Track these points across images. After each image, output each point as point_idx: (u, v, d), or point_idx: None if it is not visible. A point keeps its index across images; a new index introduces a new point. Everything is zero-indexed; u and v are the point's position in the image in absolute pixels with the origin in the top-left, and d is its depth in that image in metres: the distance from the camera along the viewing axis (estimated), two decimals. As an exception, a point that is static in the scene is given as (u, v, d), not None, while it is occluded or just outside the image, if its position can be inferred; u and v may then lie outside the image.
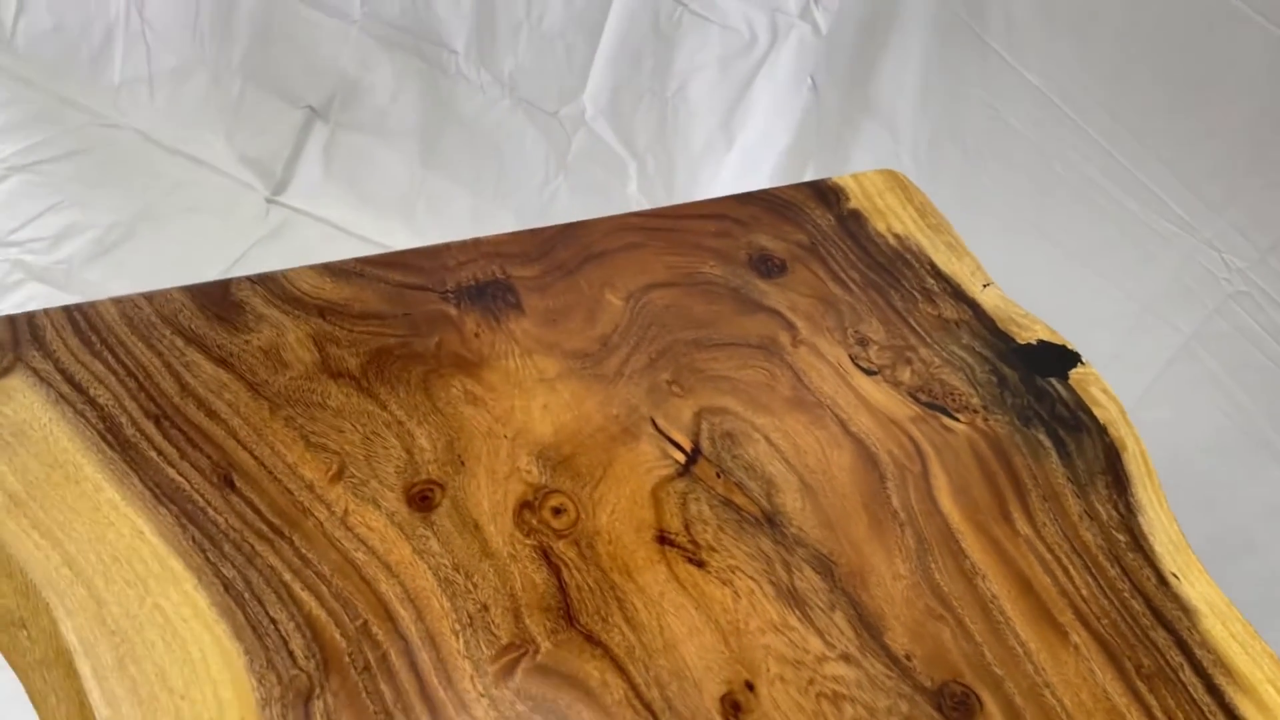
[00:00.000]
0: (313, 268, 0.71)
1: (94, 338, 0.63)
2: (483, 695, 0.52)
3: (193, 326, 0.65)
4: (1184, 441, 0.77)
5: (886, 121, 1.13)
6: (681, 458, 0.65)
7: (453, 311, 0.70)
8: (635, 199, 1.36)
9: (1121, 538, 0.68)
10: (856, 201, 0.89)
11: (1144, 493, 0.71)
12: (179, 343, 0.64)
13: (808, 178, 1.29)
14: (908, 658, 0.58)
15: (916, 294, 0.82)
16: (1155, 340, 0.94)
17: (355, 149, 1.54)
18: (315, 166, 1.55)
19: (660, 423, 0.67)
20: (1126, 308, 0.95)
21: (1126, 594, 0.64)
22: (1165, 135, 0.89)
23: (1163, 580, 0.66)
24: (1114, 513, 0.69)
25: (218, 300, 0.67)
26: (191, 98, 1.62)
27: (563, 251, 0.77)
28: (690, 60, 1.25)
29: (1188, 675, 0.61)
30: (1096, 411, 0.76)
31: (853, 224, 0.87)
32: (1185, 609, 0.64)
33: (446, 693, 0.51)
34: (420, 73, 1.45)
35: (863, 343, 0.77)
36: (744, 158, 1.27)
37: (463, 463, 0.62)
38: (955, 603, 0.61)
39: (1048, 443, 0.72)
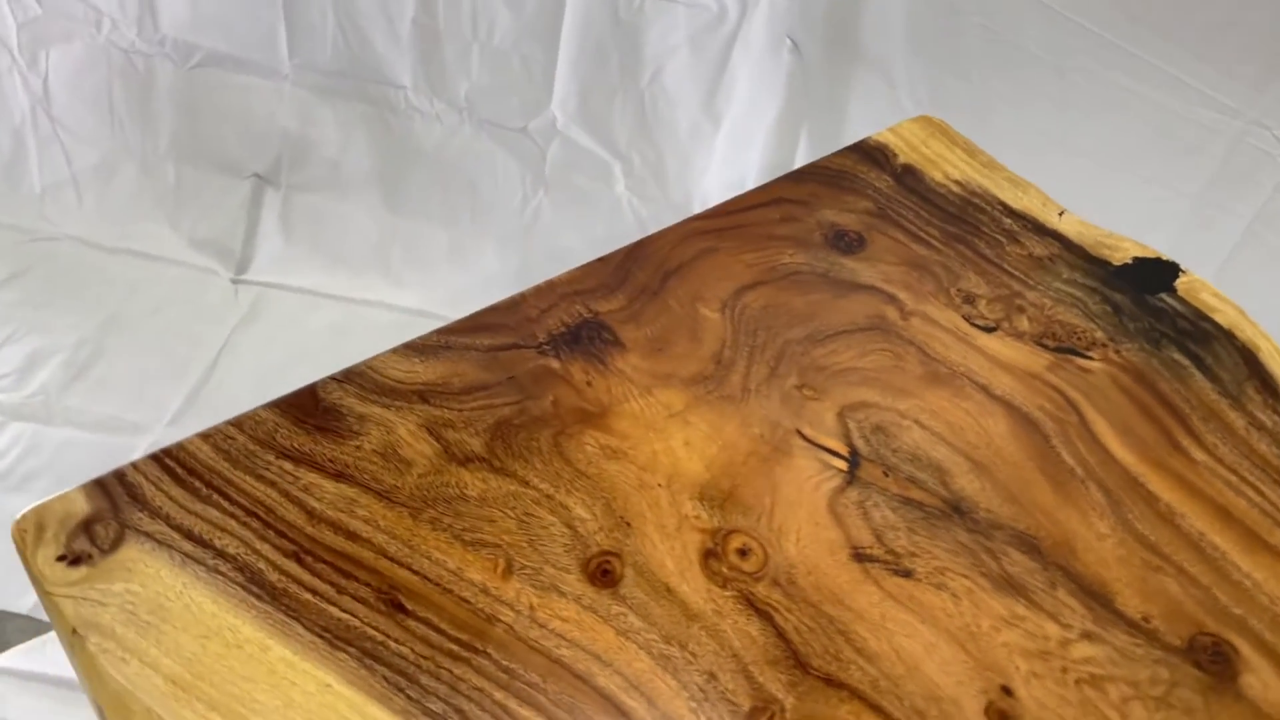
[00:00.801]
0: (395, 351, 0.66)
1: (197, 483, 0.57)
2: (750, 772, 0.48)
3: (295, 444, 0.59)
4: (1273, 327, 0.76)
5: (879, 67, 1.10)
6: (843, 465, 0.62)
7: (555, 364, 0.66)
8: (626, 200, 1.32)
9: (1293, 441, 0.66)
10: (905, 156, 0.86)
11: (1294, 390, 0.70)
12: (288, 466, 0.58)
13: (803, 144, 1.26)
14: (1145, 620, 0.56)
15: (999, 237, 0.79)
16: (1216, 231, 0.93)
17: (314, 209, 1.47)
18: (275, 236, 1.48)
19: (807, 432, 0.63)
20: (1179, 206, 0.94)
21: (1321, 498, 0.63)
22: (1188, 25, 0.87)
23: (1348, 475, 0.64)
24: (1276, 416, 0.67)
25: (310, 409, 0.62)
26: (123, 192, 1.53)
27: (640, 273, 0.73)
28: (660, 45, 1.21)
29: None
30: (1217, 317, 0.74)
31: (910, 180, 0.84)
32: (1380, 499, 0.63)
33: (711, 779, 0.48)
34: (368, 116, 1.39)
35: (969, 300, 0.74)
36: (734, 135, 1.24)
37: (628, 524, 0.57)
38: (1166, 549, 0.59)
39: (1185, 361, 0.70)
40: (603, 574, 0.55)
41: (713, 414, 0.64)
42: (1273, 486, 0.63)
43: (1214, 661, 0.54)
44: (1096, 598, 0.56)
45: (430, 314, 1.45)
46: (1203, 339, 0.72)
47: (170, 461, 0.58)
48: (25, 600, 1.12)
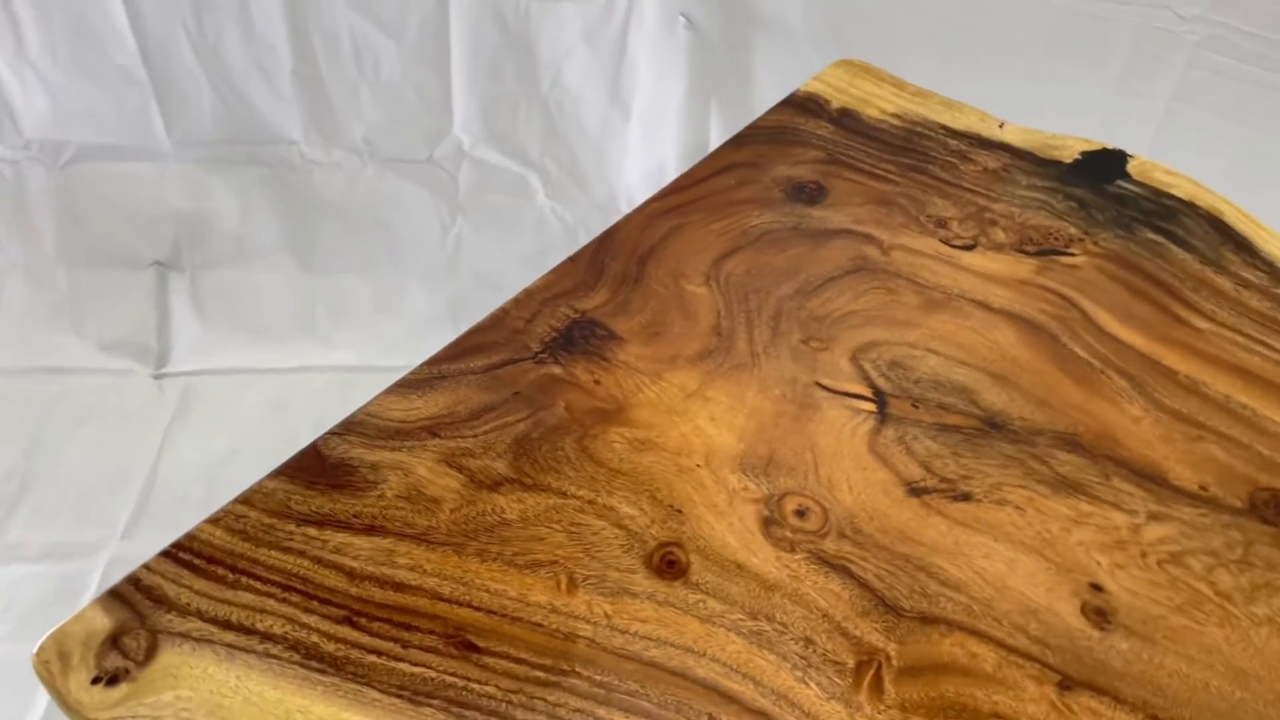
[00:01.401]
0: (389, 393, 0.63)
1: (220, 570, 0.53)
2: (877, 726, 0.47)
3: (313, 508, 0.56)
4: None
5: (776, 26, 1.10)
6: (871, 406, 0.61)
7: (557, 370, 0.63)
8: (549, 209, 1.30)
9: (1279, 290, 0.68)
10: (838, 100, 0.86)
11: (1268, 244, 0.71)
12: (312, 531, 0.55)
13: (715, 118, 1.26)
14: (1203, 489, 0.56)
15: (951, 159, 0.79)
16: (1138, 116, 0.95)
17: (225, 285, 1.41)
18: (190, 321, 1.41)
19: (827, 383, 0.62)
20: (1099, 98, 0.96)
21: (1325, 339, 0.64)
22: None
23: (1342, 312, 0.66)
24: (1259, 273, 0.69)
25: (318, 469, 0.58)
26: (16, 309, 1.44)
27: (614, 264, 0.71)
28: (554, 48, 1.19)
29: None
30: (1176, 192, 0.76)
31: (850, 122, 0.84)
32: (1377, 328, 0.65)
33: (839, 743, 0.46)
34: (264, 179, 1.34)
35: (941, 224, 0.74)
36: (646, 123, 1.23)
37: (680, 511, 0.55)
38: (1200, 418, 0.60)
39: (1159, 239, 0.72)
40: (669, 565, 0.53)
41: (729, 385, 0.62)
42: (1278, 337, 0.65)
43: (1278, 512, 0.55)
44: (1151, 478, 0.57)
45: (370, 368, 1.40)
46: (1169, 215, 0.74)
47: (185, 555, 0.54)
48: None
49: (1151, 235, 0.72)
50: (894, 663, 0.49)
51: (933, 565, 0.53)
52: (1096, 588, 0.52)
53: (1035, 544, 0.54)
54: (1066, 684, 0.48)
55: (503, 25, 1.17)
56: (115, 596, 0.52)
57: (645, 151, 1.23)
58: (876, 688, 0.48)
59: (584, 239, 0.87)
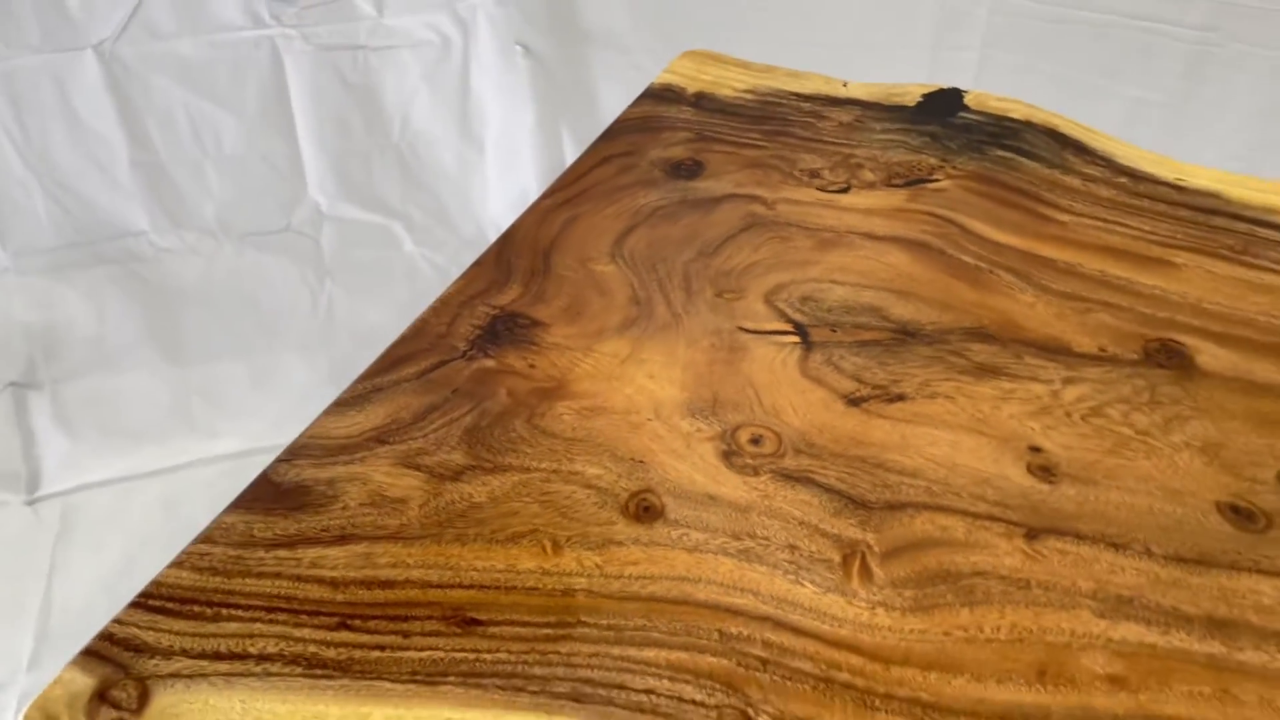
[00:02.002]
0: (326, 414, 0.63)
1: (197, 608, 0.52)
2: (876, 605, 0.49)
3: (278, 531, 0.55)
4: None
5: (609, 41, 1.15)
6: (795, 338, 0.64)
7: (490, 363, 0.64)
8: (418, 256, 1.30)
9: (1123, 179, 0.75)
10: (693, 86, 0.90)
11: (1100, 143, 0.79)
12: (283, 553, 0.54)
13: (566, 136, 1.29)
14: (1102, 350, 0.62)
15: (807, 119, 0.85)
16: (956, 66, 1.03)
17: (90, 394, 1.35)
18: (57, 439, 1.34)
19: (749, 326, 0.66)
20: (918, 57, 1.04)
21: (1168, 208, 0.72)
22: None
23: (1177, 186, 0.74)
24: (1099, 168, 0.76)
25: (273, 495, 0.57)
26: None
27: (520, 260, 0.73)
28: (398, 94, 1.20)
29: (1266, 233, 0.69)
30: (1014, 114, 0.83)
31: (708, 103, 0.88)
32: (1210, 194, 0.73)
33: (850, 628, 0.48)
34: (114, 276, 1.30)
35: (814, 175, 0.79)
36: (501, 153, 1.25)
37: (642, 462, 0.57)
38: (1084, 293, 0.66)
39: (1009, 154, 0.79)
40: (645, 511, 0.55)
41: (659, 345, 0.65)
42: (1131, 217, 0.72)
43: (1170, 357, 0.61)
44: (1056, 351, 0.62)
45: (260, 449, 1.36)
46: (1012, 133, 0.81)
47: (155, 601, 0.52)
48: None
49: (1001, 153, 0.79)
50: (875, 549, 0.52)
51: (887, 461, 0.56)
52: (1035, 449, 0.56)
53: (972, 424, 0.58)
54: (1032, 534, 0.52)
55: (343, 80, 1.18)
56: (90, 655, 0.50)
57: (505, 181, 1.25)
58: (865, 574, 0.51)
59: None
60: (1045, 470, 0.55)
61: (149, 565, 1.31)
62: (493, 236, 1.47)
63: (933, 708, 0.45)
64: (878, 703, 0.46)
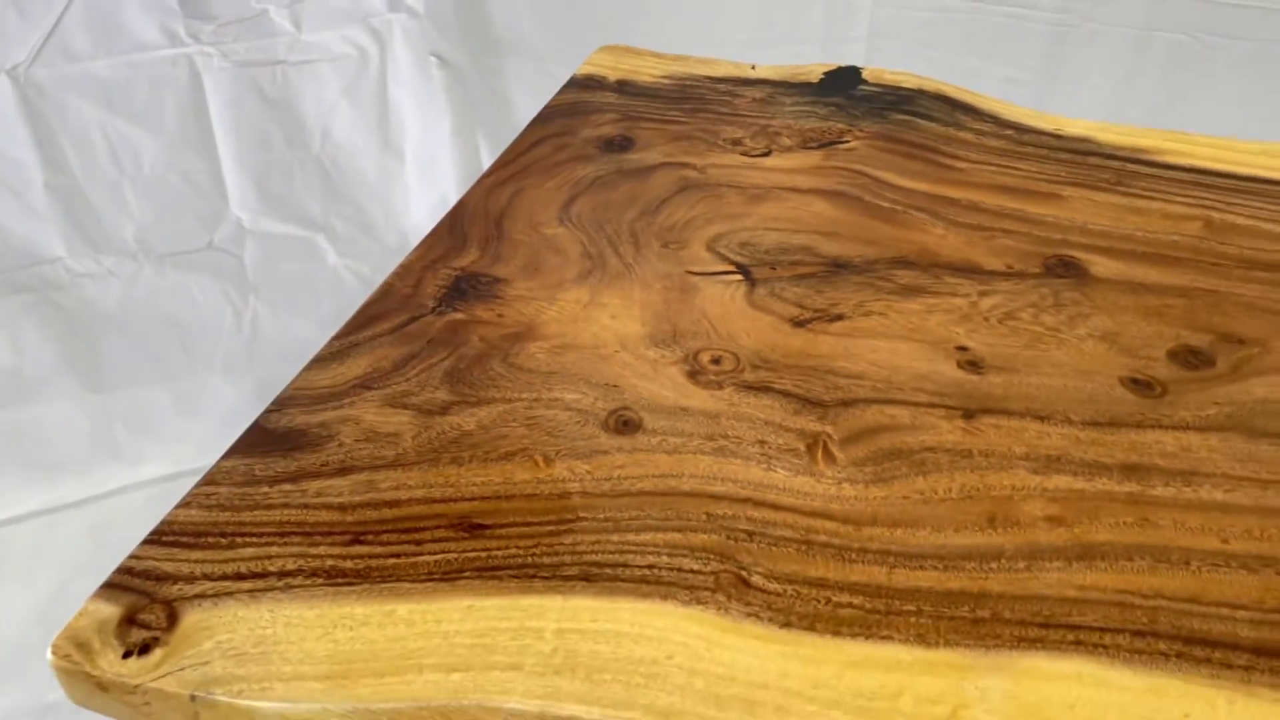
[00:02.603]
0: (307, 369, 0.66)
1: (212, 539, 0.54)
2: (841, 481, 0.55)
3: (280, 469, 0.58)
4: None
5: (521, 49, 1.21)
6: (739, 276, 0.70)
7: (460, 315, 0.69)
8: (341, 266, 1.32)
9: (1009, 131, 0.84)
10: (613, 74, 0.97)
11: (986, 104, 0.88)
12: (288, 486, 0.57)
13: (483, 146, 1.34)
14: (1009, 267, 0.70)
15: (724, 98, 0.92)
16: (846, 57, 1.12)
17: (7, 427, 1.32)
18: (-27, 477, 1.31)
19: (696, 269, 0.71)
20: (809, 52, 1.13)
21: (1050, 152, 0.81)
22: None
23: (1055, 135, 0.83)
24: (987, 124, 0.85)
25: (268, 440, 0.60)
26: None
27: (473, 229, 0.77)
28: (318, 107, 1.23)
29: (1135, 167, 0.78)
30: (907, 84, 0.92)
31: (630, 89, 0.95)
32: (1084, 139, 0.82)
33: (821, 500, 0.54)
34: (30, 305, 1.28)
35: (737, 143, 0.86)
36: (420, 162, 1.29)
37: (616, 386, 0.62)
38: (988, 224, 0.74)
39: (907, 117, 0.87)
40: (624, 425, 0.60)
41: (616, 291, 0.70)
42: (1019, 161, 0.80)
43: (1067, 269, 0.69)
44: (970, 271, 0.70)
45: (190, 471, 1.36)
46: (908, 100, 0.89)
47: (169, 537, 0.55)
48: None
49: (900, 116, 0.87)
50: (835, 438, 0.58)
51: (835, 368, 0.63)
52: (962, 349, 0.63)
53: (905, 333, 0.65)
54: (968, 414, 0.59)
55: (262, 95, 1.21)
56: (113, 586, 0.52)
57: (425, 189, 1.29)
58: (829, 458, 0.57)
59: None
60: (973, 364, 0.62)
61: (83, 589, 1.31)
62: (415, 241, 1.51)
63: (902, 555, 0.51)
64: (854, 556, 0.51)
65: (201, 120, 1.22)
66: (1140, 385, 0.60)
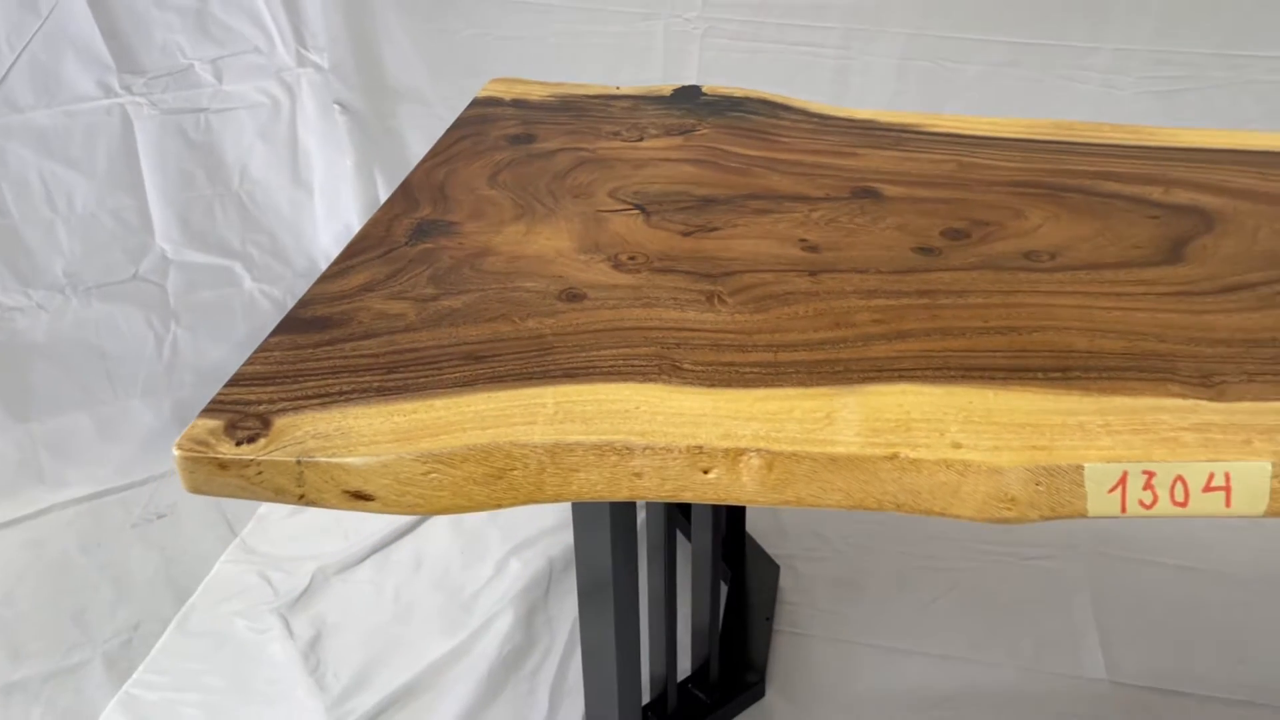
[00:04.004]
0: (317, 284, 0.83)
1: (278, 380, 0.71)
2: (734, 313, 0.77)
3: (318, 338, 0.75)
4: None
5: (412, 96, 1.41)
6: (637, 211, 0.93)
7: (429, 245, 0.88)
8: (257, 291, 1.46)
9: (815, 119, 1.11)
10: (508, 95, 1.19)
11: (797, 103, 1.15)
12: (327, 348, 0.74)
13: (380, 179, 1.52)
14: (828, 194, 0.95)
15: (600, 109, 1.16)
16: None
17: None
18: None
19: (604, 208, 0.93)
20: (654, 81, 1.38)
21: (845, 130, 1.08)
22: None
23: (848, 119, 1.11)
24: (800, 116, 1.12)
25: (301, 325, 0.77)
26: None
27: (422, 195, 0.97)
28: (236, 149, 1.39)
29: (908, 136, 1.07)
30: (736, 94, 1.18)
31: (523, 104, 1.17)
32: (869, 121, 1.10)
33: (722, 323, 0.76)
34: (-43, 342, 1.36)
35: (618, 135, 1.09)
36: (326, 195, 1.45)
37: (560, 276, 0.83)
38: (810, 172, 0.99)
39: (740, 114, 1.13)
40: (574, 297, 0.80)
41: (546, 225, 0.91)
42: (825, 136, 1.07)
43: (868, 193, 0.95)
44: (801, 198, 0.95)
45: (113, 489, 1.44)
46: (740, 104, 1.16)
47: (244, 384, 0.71)
48: None
49: (735, 114, 1.13)
50: (724, 292, 0.80)
51: (717, 257, 0.85)
52: (803, 240, 0.87)
53: (762, 235, 0.88)
54: (813, 273, 0.82)
55: (186, 139, 1.36)
56: (209, 412, 0.68)
57: (331, 218, 1.46)
58: (722, 302, 0.79)
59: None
60: (812, 248, 0.86)
61: (27, 594, 1.47)
62: (324, 266, 1.66)
63: (782, 346, 0.73)
64: (749, 348, 0.73)
65: (131, 162, 1.36)
66: (924, 251, 0.86)
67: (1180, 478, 0.63)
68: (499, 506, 0.67)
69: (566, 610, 1.24)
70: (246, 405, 0.69)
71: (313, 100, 1.42)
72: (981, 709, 1.12)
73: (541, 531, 1.37)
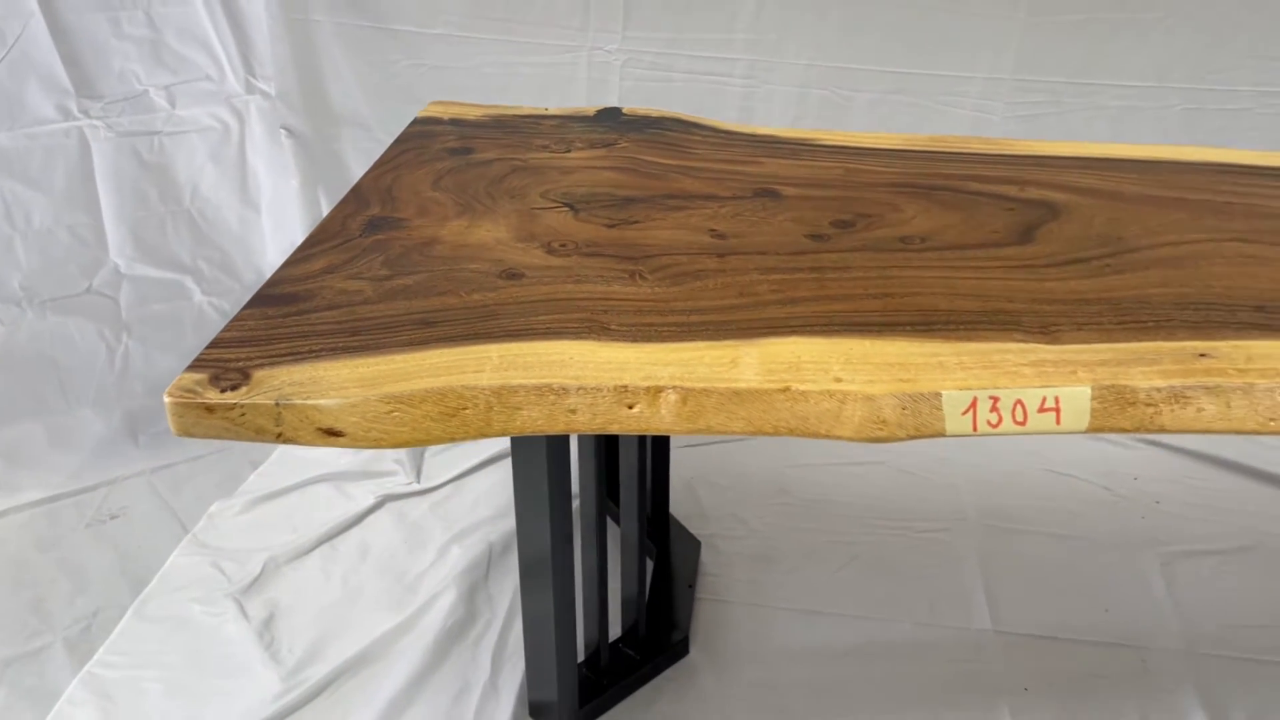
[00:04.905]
0: (283, 267, 0.92)
1: (252, 343, 0.79)
2: (654, 287, 0.88)
3: (286, 309, 0.84)
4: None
5: (353, 121, 1.50)
6: (566, 208, 1.04)
7: (381, 236, 0.97)
8: (205, 304, 1.53)
9: (723, 135, 1.24)
10: (445, 115, 1.30)
11: (707, 122, 1.28)
12: (296, 318, 0.83)
13: (323, 198, 1.61)
14: (733, 194, 1.07)
15: (531, 125, 1.27)
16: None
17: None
18: None
19: (536, 205, 1.04)
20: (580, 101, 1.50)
21: (747, 143, 1.21)
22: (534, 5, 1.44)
23: (748, 135, 1.24)
24: (708, 133, 1.25)
25: (271, 300, 0.86)
26: None
27: (371, 197, 1.06)
28: (188, 170, 1.46)
29: (799, 148, 1.20)
30: (653, 114, 1.31)
31: (460, 122, 1.28)
32: (768, 136, 1.23)
33: (643, 296, 0.87)
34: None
35: (546, 147, 1.20)
36: (273, 213, 1.53)
37: (500, 260, 0.93)
38: (718, 175, 1.12)
39: (660, 131, 1.25)
40: (513, 275, 0.91)
41: (486, 220, 1.01)
42: (728, 149, 1.20)
43: (769, 193, 1.08)
44: (711, 197, 1.07)
45: (65, 493, 1.49)
46: (656, 122, 1.28)
47: (221, 346, 0.80)
48: None
49: (652, 130, 1.26)
50: (644, 271, 0.91)
51: (638, 244, 0.97)
52: (713, 230, 0.99)
53: (677, 226, 1.00)
54: (720, 255, 0.94)
55: (141, 160, 1.43)
56: (192, 369, 0.77)
57: (277, 234, 1.53)
58: (643, 278, 0.90)
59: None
60: (720, 236, 0.98)
61: None
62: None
63: (694, 311, 0.85)
64: (667, 314, 0.84)
65: (88, 182, 1.42)
66: (815, 237, 0.98)
67: (1020, 401, 0.76)
68: (453, 440, 0.76)
69: (506, 587, 1.32)
70: (227, 362, 0.78)
71: (260, 125, 1.51)
72: (882, 658, 1.23)
73: (480, 520, 1.45)
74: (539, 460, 1.00)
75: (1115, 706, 1.17)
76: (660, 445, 1.39)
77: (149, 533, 1.43)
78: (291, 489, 1.51)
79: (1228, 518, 1.49)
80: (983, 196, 1.09)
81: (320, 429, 0.75)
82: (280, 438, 0.75)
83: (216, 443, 1.60)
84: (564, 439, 1.00)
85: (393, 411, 0.75)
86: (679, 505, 1.49)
